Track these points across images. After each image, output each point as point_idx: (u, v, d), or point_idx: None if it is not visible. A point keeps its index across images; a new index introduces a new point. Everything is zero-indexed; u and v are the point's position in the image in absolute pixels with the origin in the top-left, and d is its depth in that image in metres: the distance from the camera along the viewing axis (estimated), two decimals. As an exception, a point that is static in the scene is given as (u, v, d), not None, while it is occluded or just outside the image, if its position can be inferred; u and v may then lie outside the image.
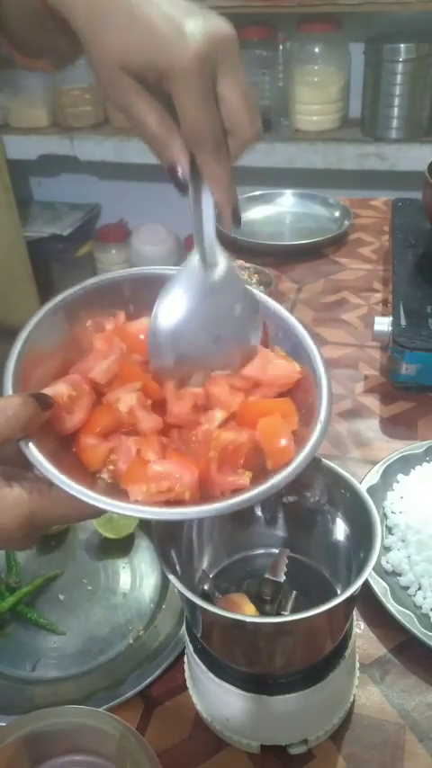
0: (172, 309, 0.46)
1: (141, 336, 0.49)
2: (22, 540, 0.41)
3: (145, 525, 0.71)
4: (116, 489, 0.43)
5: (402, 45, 1.88)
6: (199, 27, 0.43)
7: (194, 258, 0.47)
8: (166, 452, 0.44)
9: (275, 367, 0.48)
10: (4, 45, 0.50)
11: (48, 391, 0.44)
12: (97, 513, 0.41)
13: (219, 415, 0.46)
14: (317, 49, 2.02)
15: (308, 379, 0.48)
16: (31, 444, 0.41)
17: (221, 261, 0.48)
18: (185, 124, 0.44)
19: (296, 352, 0.49)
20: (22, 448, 0.41)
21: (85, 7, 0.44)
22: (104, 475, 0.44)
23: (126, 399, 0.45)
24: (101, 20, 0.44)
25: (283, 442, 0.43)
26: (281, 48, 2.11)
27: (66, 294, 0.49)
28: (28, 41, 0.51)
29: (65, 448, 0.45)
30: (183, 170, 0.45)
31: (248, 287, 0.50)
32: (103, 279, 0.51)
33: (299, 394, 0.48)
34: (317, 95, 2.08)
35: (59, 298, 0.49)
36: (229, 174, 0.47)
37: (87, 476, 0.44)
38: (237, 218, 0.48)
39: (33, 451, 0.40)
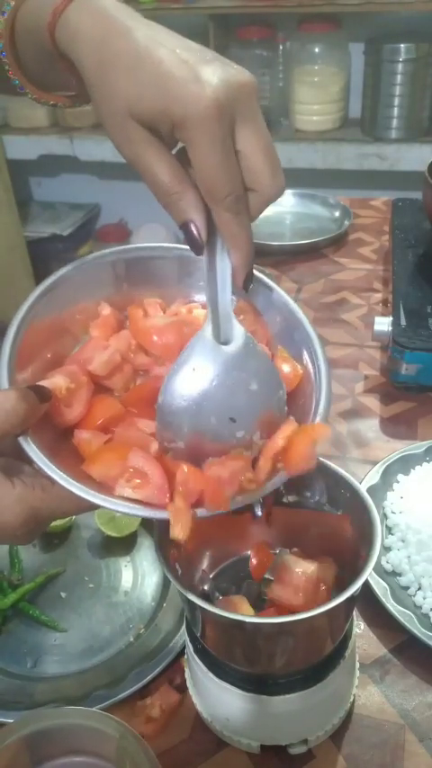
0: (182, 387, 0.42)
1: (155, 338, 0.48)
2: (25, 536, 0.41)
3: (147, 524, 0.71)
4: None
5: (402, 45, 1.89)
6: (217, 72, 0.39)
7: (207, 330, 0.43)
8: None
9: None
10: (19, 78, 0.48)
11: (45, 384, 0.43)
12: (98, 506, 0.41)
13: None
14: (317, 49, 2.03)
15: (307, 373, 0.48)
16: (30, 440, 0.40)
17: (238, 333, 0.44)
18: (202, 177, 0.40)
19: (292, 338, 0.49)
20: (22, 444, 0.40)
21: (93, 52, 0.41)
22: None
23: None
24: (109, 63, 0.40)
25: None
26: (281, 48, 2.11)
27: (56, 277, 0.48)
28: (41, 77, 0.49)
29: (64, 439, 0.44)
30: (198, 228, 0.41)
31: (269, 361, 0.46)
32: (92, 258, 0.49)
33: (297, 388, 0.48)
34: (317, 95, 2.08)
35: (50, 281, 0.47)
36: (249, 236, 0.43)
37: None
38: (247, 284, 0.45)
39: (33, 448, 0.40)
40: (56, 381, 0.44)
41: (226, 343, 0.44)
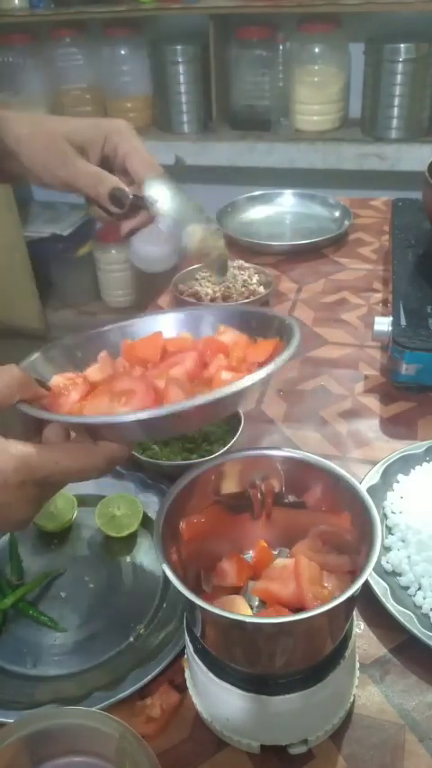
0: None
1: (142, 348, 0.55)
2: (21, 500, 0.42)
3: (147, 524, 0.71)
4: None
5: (402, 45, 1.88)
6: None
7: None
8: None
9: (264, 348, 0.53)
10: None
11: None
12: (96, 468, 0.44)
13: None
14: (317, 49, 2.02)
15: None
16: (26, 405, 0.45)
17: None
18: (137, 156, 0.60)
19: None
20: (21, 408, 0.44)
21: (26, 121, 0.60)
22: None
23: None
24: (42, 119, 0.61)
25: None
26: (281, 48, 2.11)
27: (45, 348, 0.56)
28: None
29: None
30: (125, 190, 0.60)
31: None
32: (90, 333, 0.59)
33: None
34: (317, 95, 2.08)
35: (41, 350, 0.55)
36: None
37: None
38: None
39: (31, 408, 0.44)
40: (54, 380, 0.51)
41: None
